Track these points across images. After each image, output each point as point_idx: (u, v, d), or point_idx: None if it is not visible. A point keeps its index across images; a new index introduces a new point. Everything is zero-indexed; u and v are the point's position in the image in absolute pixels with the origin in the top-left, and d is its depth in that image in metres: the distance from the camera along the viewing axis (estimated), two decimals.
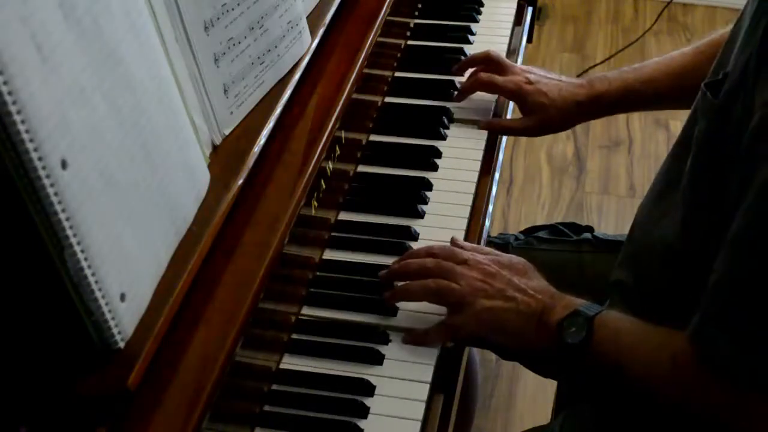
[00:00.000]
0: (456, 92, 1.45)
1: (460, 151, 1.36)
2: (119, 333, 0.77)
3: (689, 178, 1.04)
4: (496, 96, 1.45)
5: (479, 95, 1.45)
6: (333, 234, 1.20)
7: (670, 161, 1.15)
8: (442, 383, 1.05)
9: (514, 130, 1.45)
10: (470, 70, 1.46)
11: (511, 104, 1.48)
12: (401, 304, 1.10)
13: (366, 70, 1.30)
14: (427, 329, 1.07)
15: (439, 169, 1.32)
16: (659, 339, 0.99)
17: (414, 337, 1.06)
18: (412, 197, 1.27)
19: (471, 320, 1.05)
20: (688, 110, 1.13)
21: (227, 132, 1.03)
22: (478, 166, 1.34)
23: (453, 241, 1.14)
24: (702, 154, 1.02)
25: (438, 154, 1.35)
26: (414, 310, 1.10)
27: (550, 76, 1.40)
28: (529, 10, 1.72)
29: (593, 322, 1.01)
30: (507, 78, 1.40)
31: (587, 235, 1.44)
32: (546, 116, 1.38)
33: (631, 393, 1.03)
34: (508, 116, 1.48)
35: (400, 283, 1.11)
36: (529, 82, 1.38)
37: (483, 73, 1.42)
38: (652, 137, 2.84)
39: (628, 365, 1.00)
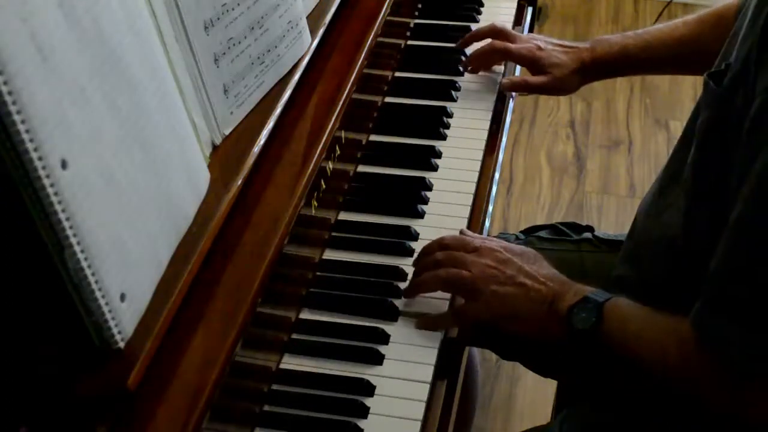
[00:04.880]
0: (468, 66, 1.51)
1: (460, 151, 1.36)
2: (119, 333, 0.77)
3: (692, 169, 1.05)
4: (502, 71, 1.53)
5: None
6: (333, 234, 1.20)
7: (673, 155, 1.15)
8: (442, 383, 1.05)
9: (534, 86, 1.50)
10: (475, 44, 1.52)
11: (518, 72, 1.55)
12: (402, 307, 1.10)
13: (366, 70, 1.30)
14: (438, 315, 1.08)
15: (439, 169, 1.32)
16: (667, 325, 0.99)
17: (425, 322, 1.08)
18: (412, 197, 1.27)
19: (482, 307, 1.07)
20: (688, 103, 1.14)
21: (227, 132, 1.03)
22: (478, 165, 1.34)
23: (463, 232, 1.16)
24: (705, 144, 1.03)
25: (438, 154, 1.35)
26: (415, 311, 1.10)
27: (555, 42, 1.47)
28: (529, 10, 1.72)
29: (603, 308, 1.02)
30: (519, 45, 1.46)
31: (588, 234, 1.44)
32: (560, 75, 1.44)
33: (639, 379, 1.03)
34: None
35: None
36: (540, 48, 1.45)
37: (497, 41, 1.48)
38: (652, 137, 2.84)
39: (636, 351, 1.01)
